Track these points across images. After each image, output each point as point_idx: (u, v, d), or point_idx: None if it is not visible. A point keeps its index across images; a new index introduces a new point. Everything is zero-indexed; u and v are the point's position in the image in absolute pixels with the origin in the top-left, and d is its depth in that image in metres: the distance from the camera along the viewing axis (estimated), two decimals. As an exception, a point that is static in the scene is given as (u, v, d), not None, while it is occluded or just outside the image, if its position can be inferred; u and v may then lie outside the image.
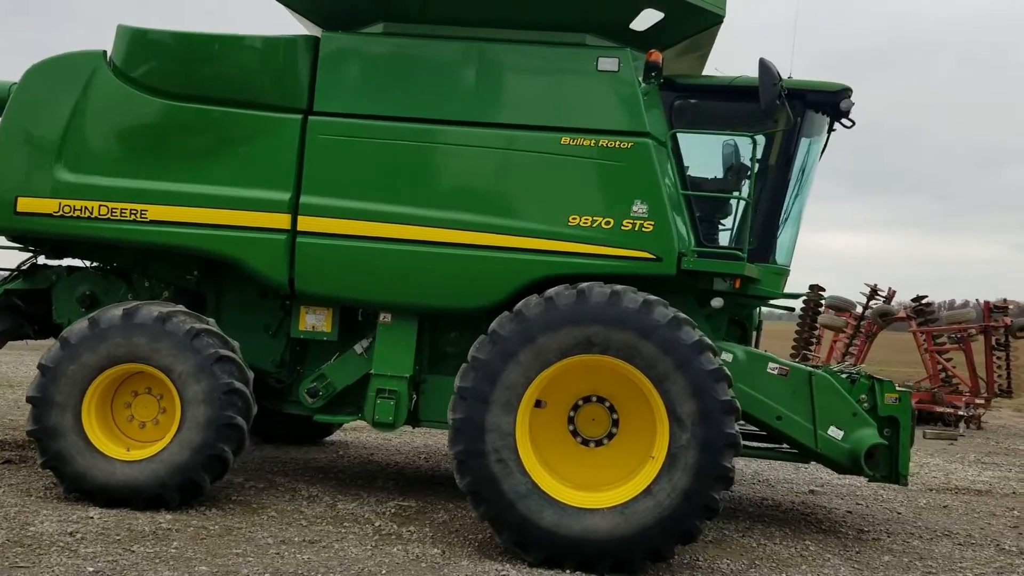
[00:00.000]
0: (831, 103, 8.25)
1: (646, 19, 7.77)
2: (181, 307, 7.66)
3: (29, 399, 7.27)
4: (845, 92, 8.22)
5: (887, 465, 7.93)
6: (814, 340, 21.75)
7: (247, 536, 6.75)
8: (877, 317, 19.14)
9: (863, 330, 19.92)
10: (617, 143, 7.54)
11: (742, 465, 11.63)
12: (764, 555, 7.37)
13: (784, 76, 8.44)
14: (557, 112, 7.68)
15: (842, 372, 8.28)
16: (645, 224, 7.48)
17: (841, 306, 20.39)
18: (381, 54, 7.88)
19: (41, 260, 8.88)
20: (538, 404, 7.02)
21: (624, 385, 6.86)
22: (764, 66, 7.33)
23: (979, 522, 9.35)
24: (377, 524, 7.42)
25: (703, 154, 8.49)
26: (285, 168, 7.73)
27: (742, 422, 8.79)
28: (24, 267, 8.78)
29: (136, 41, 7.95)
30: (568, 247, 7.51)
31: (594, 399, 7.08)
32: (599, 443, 7.08)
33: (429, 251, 7.57)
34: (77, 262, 8.86)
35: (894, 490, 10.86)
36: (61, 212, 7.82)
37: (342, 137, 7.71)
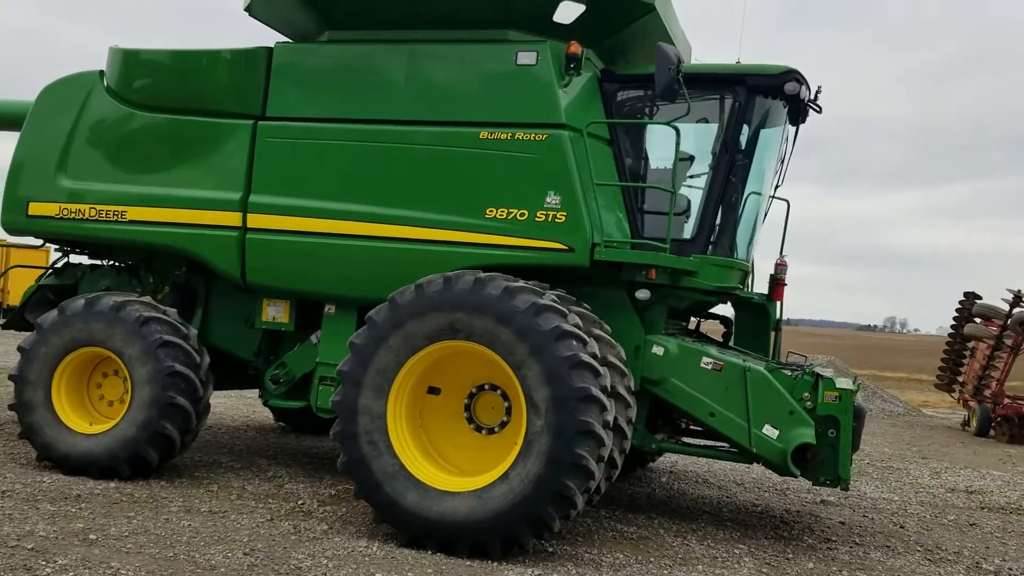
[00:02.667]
0: (774, 87, 7.89)
1: (568, 12, 7.79)
2: (143, 298, 8.45)
3: (10, 377, 8.29)
4: (788, 75, 7.84)
5: (831, 468, 7.45)
6: (967, 352, 20.14)
7: (160, 504, 7.35)
8: (1017, 326, 17.44)
9: (1009, 341, 18.19)
10: (533, 135, 7.61)
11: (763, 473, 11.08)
12: (671, 554, 7.13)
13: (734, 62, 8.21)
14: (478, 107, 7.85)
15: (786, 368, 7.84)
16: (558, 215, 7.50)
17: (989, 314, 18.77)
18: (322, 61, 8.36)
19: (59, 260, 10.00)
20: (435, 391, 7.24)
21: (506, 373, 6.91)
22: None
23: (991, 542, 8.53)
24: (300, 502, 7.82)
25: (649, 144, 8.38)
26: (238, 170, 8.36)
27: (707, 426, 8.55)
28: (57, 265, 9.92)
29: (123, 60, 8.86)
30: (486, 239, 7.65)
31: (487, 387, 7.18)
32: (492, 431, 7.17)
33: (358, 245, 7.93)
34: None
35: (924, 505, 10.07)
36: (61, 215, 8.85)
37: (284, 139, 8.25)
